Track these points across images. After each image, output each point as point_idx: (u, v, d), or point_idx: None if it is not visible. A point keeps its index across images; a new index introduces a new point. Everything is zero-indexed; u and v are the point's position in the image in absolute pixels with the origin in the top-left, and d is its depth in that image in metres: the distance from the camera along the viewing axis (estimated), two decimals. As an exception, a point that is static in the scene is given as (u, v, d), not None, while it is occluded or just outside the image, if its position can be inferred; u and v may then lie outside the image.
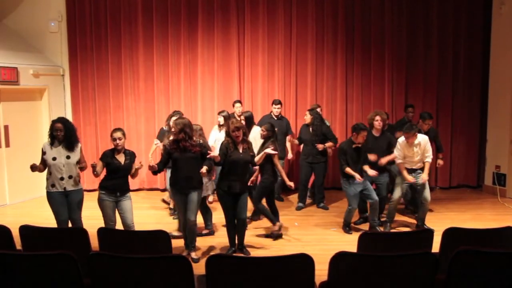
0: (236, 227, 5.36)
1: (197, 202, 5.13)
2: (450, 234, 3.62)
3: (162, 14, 8.59)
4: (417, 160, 6.04)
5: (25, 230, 3.77)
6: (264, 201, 6.08)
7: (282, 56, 8.62)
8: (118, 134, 5.08)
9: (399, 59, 8.65)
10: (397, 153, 6.07)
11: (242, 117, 7.03)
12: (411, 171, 6.06)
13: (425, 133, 6.49)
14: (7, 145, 7.89)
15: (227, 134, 5.28)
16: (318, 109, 7.65)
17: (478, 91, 8.73)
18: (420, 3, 8.57)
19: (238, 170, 5.18)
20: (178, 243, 5.40)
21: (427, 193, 6.09)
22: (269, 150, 5.31)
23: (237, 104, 7.82)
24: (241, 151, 5.19)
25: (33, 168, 5.05)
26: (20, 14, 8.63)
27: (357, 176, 5.87)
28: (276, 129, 6.24)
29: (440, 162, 7.00)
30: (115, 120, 8.75)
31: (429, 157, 6.08)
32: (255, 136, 6.62)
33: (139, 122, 8.74)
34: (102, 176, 5.22)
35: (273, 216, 5.95)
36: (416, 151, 6.01)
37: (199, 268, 4.33)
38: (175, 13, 8.58)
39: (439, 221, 6.62)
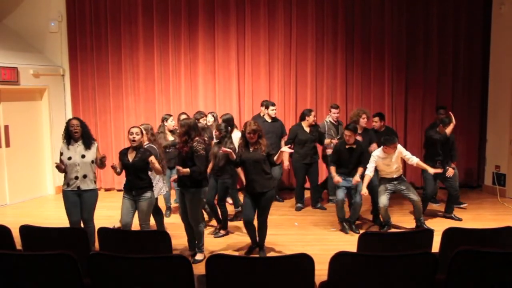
0: (254, 226, 5.36)
1: (191, 203, 5.08)
2: (450, 234, 3.62)
3: (162, 14, 8.59)
4: (395, 170, 6.09)
5: (25, 230, 3.77)
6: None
7: (282, 56, 8.62)
8: (135, 129, 5.05)
9: (399, 59, 8.64)
10: (370, 165, 6.06)
11: (220, 120, 6.79)
12: (390, 180, 6.11)
13: (447, 138, 6.57)
14: (7, 145, 7.90)
15: (243, 134, 5.26)
16: (336, 110, 7.56)
17: (478, 91, 8.73)
18: (420, 3, 8.56)
19: (249, 169, 5.16)
20: (178, 243, 5.40)
21: (413, 195, 6.12)
22: (286, 148, 5.22)
23: (272, 107, 7.49)
24: (251, 150, 5.17)
25: (58, 167, 5.10)
26: (20, 14, 8.64)
27: (336, 178, 6.11)
28: (229, 128, 6.22)
29: (450, 172, 6.57)
30: (115, 120, 8.76)
31: (412, 158, 6.10)
32: (235, 140, 6.35)
33: (139, 122, 8.67)
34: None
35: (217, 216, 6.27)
36: (393, 160, 6.06)
37: (199, 268, 4.34)
38: (176, 13, 8.58)
39: (439, 221, 6.63)
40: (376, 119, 7.11)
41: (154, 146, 5.66)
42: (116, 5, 8.60)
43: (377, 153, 6.10)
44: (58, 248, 3.08)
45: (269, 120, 7.50)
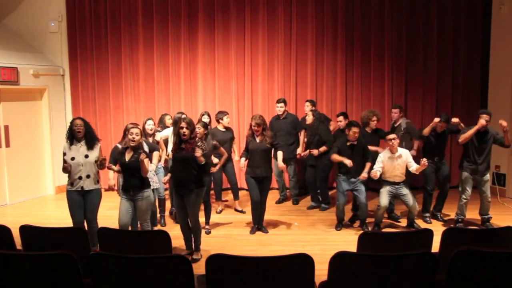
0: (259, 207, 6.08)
1: (195, 203, 5.12)
2: (450, 234, 3.63)
3: (162, 14, 8.60)
4: (398, 174, 6.13)
5: (25, 230, 3.77)
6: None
7: (282, 56, 8.63)
8: (135, 130, 4.89)
9: (399, 59, 8.64)
10: (377, 165, 6.08)
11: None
12: (392, 183, 6.14)
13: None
14: (7, 145, 7.90)
15: (251, 126, 6.01)
16: (397, 110, 7.29)
17: (478, 91, 8.73)
18: (420, 3, 8.57)
19: (256, 157, 5.92)
20: (178, 243, 5.40)
21: (411, 201, 6.10)
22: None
23: (277, 104, 7.51)
24: (258, 141, 5.93)
25: (65, 169, 5.05)
26: (20, 14, 8.64)
27: (346, 161, 5.96)
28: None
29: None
30: (115, 120, 8.76)
31: (413, 166, 6.11)
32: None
33: (139, 122, 8.68)
34: None
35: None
36: (397, 163, 6.10)
37: (199, 268, 4.34)
38: (175, 13, 8.58)
39: (439, 221, 6.63)
40: (341, 118, 7.08)
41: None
42: (116, 5, 8.60)
43: (383, 153, 6.14)
44: (58, 248, 3.07)
45: (280, 118, 7.50)
